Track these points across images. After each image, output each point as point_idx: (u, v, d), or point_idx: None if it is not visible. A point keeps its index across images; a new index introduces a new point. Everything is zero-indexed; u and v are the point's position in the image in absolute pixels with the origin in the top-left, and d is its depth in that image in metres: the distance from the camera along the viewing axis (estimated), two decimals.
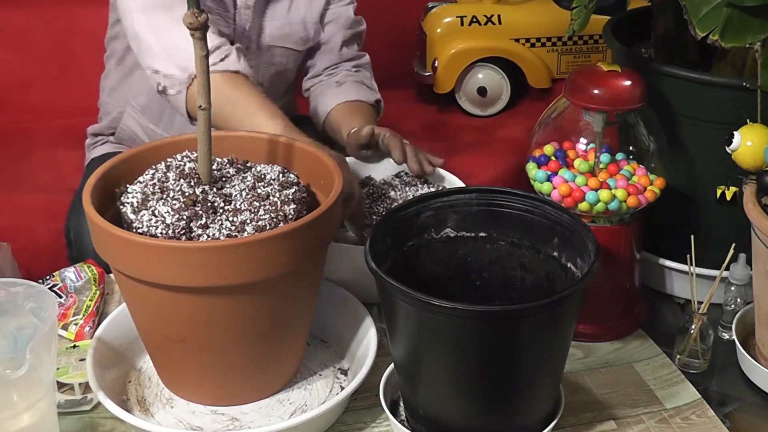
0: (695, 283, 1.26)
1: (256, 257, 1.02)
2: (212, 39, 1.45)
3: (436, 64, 2.49)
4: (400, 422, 1.12)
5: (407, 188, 1.50)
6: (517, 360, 1.04)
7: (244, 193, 1.12)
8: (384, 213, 1.34)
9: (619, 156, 1.32)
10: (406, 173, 1.54)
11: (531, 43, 2.52)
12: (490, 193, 1.17)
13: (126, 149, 1.50)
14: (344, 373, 1.23)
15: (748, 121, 1.21)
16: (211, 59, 1.44)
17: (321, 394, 1.19)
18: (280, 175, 1.16)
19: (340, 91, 1.75)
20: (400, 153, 1.50)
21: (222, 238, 1.05)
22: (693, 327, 1.26)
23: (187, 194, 1.09)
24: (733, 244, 1.25)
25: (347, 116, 1.68)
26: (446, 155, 2.19)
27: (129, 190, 1.12)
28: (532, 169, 1.31)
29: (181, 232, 1.05)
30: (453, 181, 1.49)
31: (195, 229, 1.06)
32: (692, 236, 1.27)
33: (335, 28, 1.80)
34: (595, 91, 1.25)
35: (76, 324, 1.29)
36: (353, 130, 1.60)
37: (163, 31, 1.50)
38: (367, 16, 1.90)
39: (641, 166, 1.31)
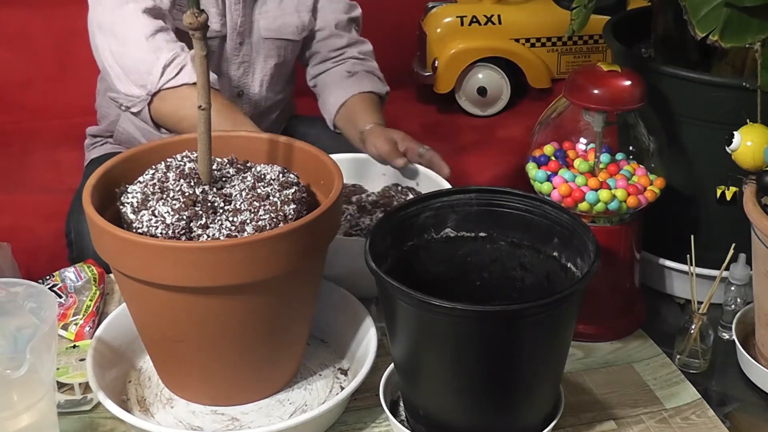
0: (695, 283, 1.26)
1: (256, 257, 1.02)
2: (166, 51, 1.49)
3: (436, 64, 2.49)
4: (400, 422, 1.12)
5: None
6: (517, 360, 1.04)
7: (244, 193, 1.12)
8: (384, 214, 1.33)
9: (619, 156, 1.32)
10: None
11: (531, 43, 2.52)
12: (490, 193, 1.17)
13: (125, 149, 1.50)
14: (344, 373, 1.23)
15: (748, 121, 1.21)
16: (167, 74, 1.48)
17: (321, 394, 1.19)
18: (280, 175, 1.16)
19: (351, 82, 1.73)
20: (447, 169, 1.49)
21: (222, 238, 1.05)
22: (693, 327, 1.26)
23: (187, 194, 1.09)
24: (733, 244, 1.25)
25: (361, 111, 1.67)
26: (446, 155, 2.19)
27: (129, 190, 1.12)
28: (532, 169, 1.31)
29: (181, 232, 1.05)
30: (443, 184, 1.47)
31: (195, 229, 1.06)
32: (692, 236, 1.27)
33: (329, 14, 1.79)
34: (595, 91, 1.25)
35: (76, 324, 1.29)
36: (385, 147, 1.54)
37: (118, 53, 1.52)
38: (367, 17, 1.89)
39: (641, 166, 1.31)
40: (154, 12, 1.53)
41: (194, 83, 1.46)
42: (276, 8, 1.72)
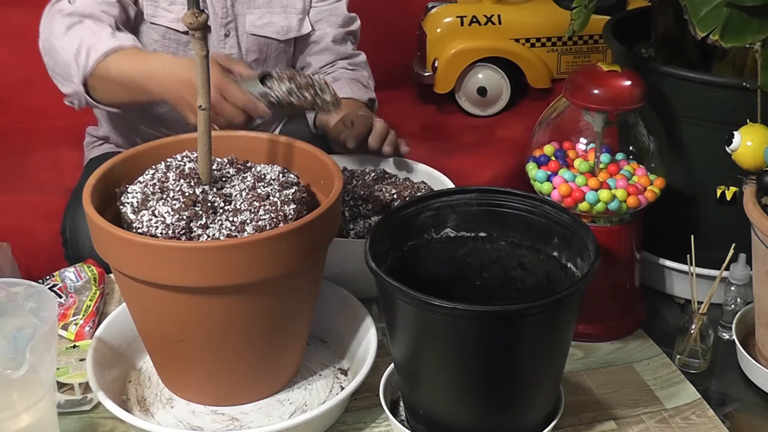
0: (695, 283, 1.26)
1: (256, 257, 1.02)
2: (74, 40, 1.50)
3: (436, 64, 2.49)
4: (400, 422, 1.12)
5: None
6: (517, 360, 1.04)
7: (244, 193, 1.12)
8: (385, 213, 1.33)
9: (619, 156, 1.32)
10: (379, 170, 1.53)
11: (531, 43, 2.52)
12: (490, 193, 1.17)
13: (125, 149, 1.50)
14: (344, 373, 1.23)
15: (748, 121, 1.21)
16: (81, 63, 1.49)
17: (321, 394, 1.19)
18: (280, 175, 1.16)
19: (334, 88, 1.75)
20: (353, 141, 1.52)
21: (222, 238, 1.05)
22: (693, 327, 1.26)
23: (187, 194, 1.09)
24: (733, 244, 1.25)
25: None
26: (446, 155, 2.20)
27: (129, 190, 1.12)
28: (532, 169, 1.31)
29: (181, 232, 1.05)
30: (445, 182, 1.47)
31: (195, 229, 1.06)
32: (692, 236, 1.27)
33: (326, 27, 1.79)
34: (595, 91, 1.25)
35: (76, 324, 1.30)
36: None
37: (50, 64, 1.56)
38: (367, 16, 1.89)
39: (641, 166, 1.31)
40: (76, 14, 1.54)
41: (104, 55, 1.47)
42: (265, 5, 1.72)
